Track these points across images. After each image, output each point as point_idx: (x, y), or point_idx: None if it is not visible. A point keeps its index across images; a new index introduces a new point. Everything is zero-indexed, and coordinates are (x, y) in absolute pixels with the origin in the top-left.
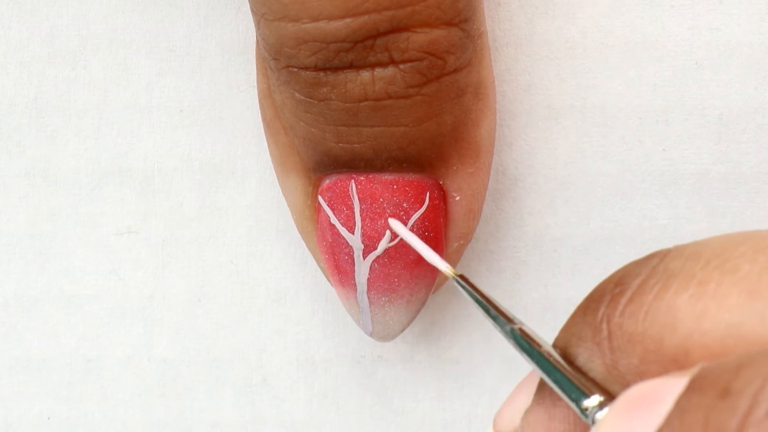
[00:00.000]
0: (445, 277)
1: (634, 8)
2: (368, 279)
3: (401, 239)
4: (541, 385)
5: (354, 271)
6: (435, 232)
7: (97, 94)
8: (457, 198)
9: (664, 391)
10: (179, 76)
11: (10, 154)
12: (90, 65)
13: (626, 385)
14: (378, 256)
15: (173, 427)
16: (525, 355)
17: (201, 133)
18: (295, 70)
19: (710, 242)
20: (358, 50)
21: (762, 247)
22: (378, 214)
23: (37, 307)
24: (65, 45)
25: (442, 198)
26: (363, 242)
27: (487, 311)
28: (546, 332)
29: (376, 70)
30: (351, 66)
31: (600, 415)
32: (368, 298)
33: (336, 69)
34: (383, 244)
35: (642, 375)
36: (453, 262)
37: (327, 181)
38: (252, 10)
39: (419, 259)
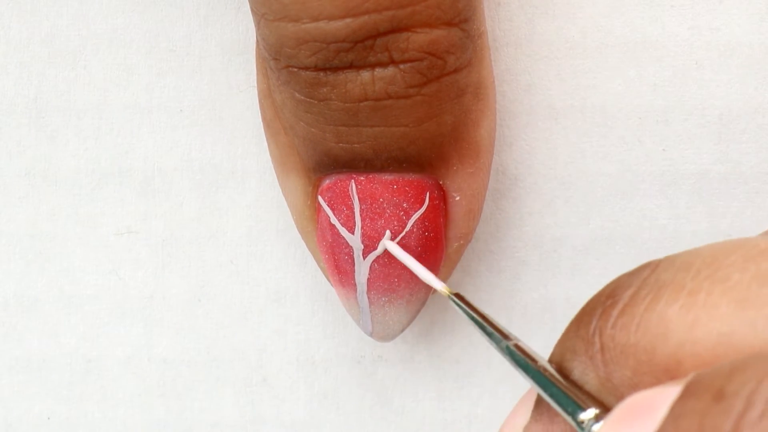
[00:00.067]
0: (445, 277)
1: (634, 8)
2: (368, 279)
3: (401, 239)
4: (539, 401)
5: (354, 271)
6: (435, 232)
7: (97, 94)
8: (457, 198)
9: (658, 400)
10: (179, 76)
11: (10, 154)
12: (90, 65)
13: (621, 397)
14: (378, 256)
15: (173, 427)
16: (521, 371)
17: (201, 133)
18: (295, 70)
19: (701, 252)
20: (358, 50)
21: (752, 255)
22: (378, 214)
23: (37, 307)
24: (65, 45)
25: (442, 198)
26: (363, 242)
27: (482, 328)
28: (545, 332)
29: (376, 70)
30: (351, 66)
31: (596, 428)
32: (368, 298)
33: (336, 69)
34: (383, 245)
35: (636, 386)
36: (453, 262)
37: (327, 181)
38: (252, 10)
39: (418, 260)
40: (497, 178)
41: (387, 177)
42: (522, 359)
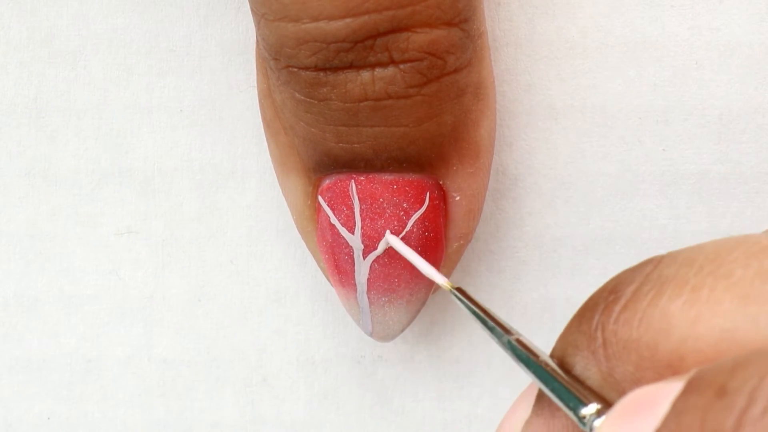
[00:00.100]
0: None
1: (634, 8)
2: (368, 279)
3: (401, 239)
4: (540, 396)
5: (354, 271)
6: (435, 232)
7: (97, 94)
8: (457, 198)
9: (660, 395)
10: (179, 76)
11: (10, 154)
12: (90, 65)
13: (623, 392)
14: (378, 256)
15: (173, 427)
16: (522, 366)
17: (201, 133)
18: (295, 70)
19: (704, 248)
20: (358, 50)
21: (755, 251)
22: (378, 214)
23: (37, 307)
24: (65, 45)
25: (442, 198)
26: (363, 242)
27: (484, 323)
28: (546, 332)
29: (376, 70)
30: (351, 66)
31: (598, 423)
32: (368, 298)
33: (336, 69)
34: (383, 244)
35: (638, 382)
36: (453, 262)
37: (327, 181)
38: (252, 10)
39: None
40: (497, 178)
41: (387, 177)
42: (524, 354)
